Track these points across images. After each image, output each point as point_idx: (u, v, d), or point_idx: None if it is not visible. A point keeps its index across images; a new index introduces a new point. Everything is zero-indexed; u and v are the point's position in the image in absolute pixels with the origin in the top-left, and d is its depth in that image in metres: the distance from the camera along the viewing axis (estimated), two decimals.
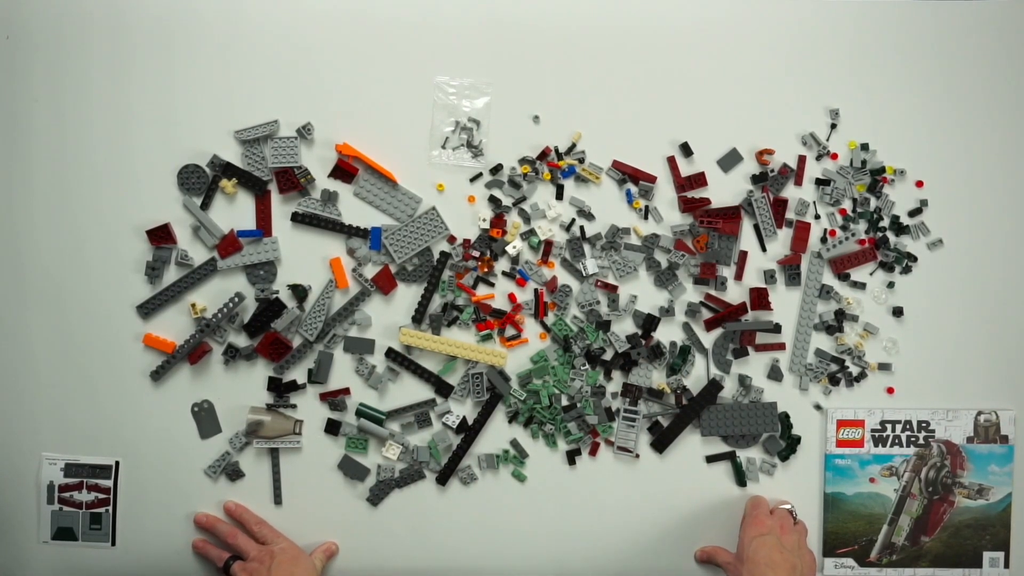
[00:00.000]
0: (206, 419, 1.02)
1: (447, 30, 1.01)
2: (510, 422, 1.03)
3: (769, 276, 1.03)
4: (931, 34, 1.03)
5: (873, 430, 1.04)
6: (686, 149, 1.02)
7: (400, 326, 1.02)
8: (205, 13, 1.00)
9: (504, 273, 1.03)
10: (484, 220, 1.02)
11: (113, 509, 1.02)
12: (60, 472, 1.01)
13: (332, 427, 1.02)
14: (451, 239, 1.02)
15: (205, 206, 1.01)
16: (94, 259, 1.01)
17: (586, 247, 1.03)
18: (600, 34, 1.01)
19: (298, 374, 1.02)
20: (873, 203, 1.04)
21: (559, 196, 1.03)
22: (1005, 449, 1.05)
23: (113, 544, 1.03)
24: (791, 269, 1.03)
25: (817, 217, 1.04)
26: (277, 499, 1.02)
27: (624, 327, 1.04)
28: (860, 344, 1.04)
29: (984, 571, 1.05)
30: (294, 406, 1.02)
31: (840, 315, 1.04)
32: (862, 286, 1.04)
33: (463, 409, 1.03)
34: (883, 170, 1.03)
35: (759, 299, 1.02)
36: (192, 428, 1.02)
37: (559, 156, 1.02)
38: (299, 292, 1.01)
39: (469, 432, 1.02)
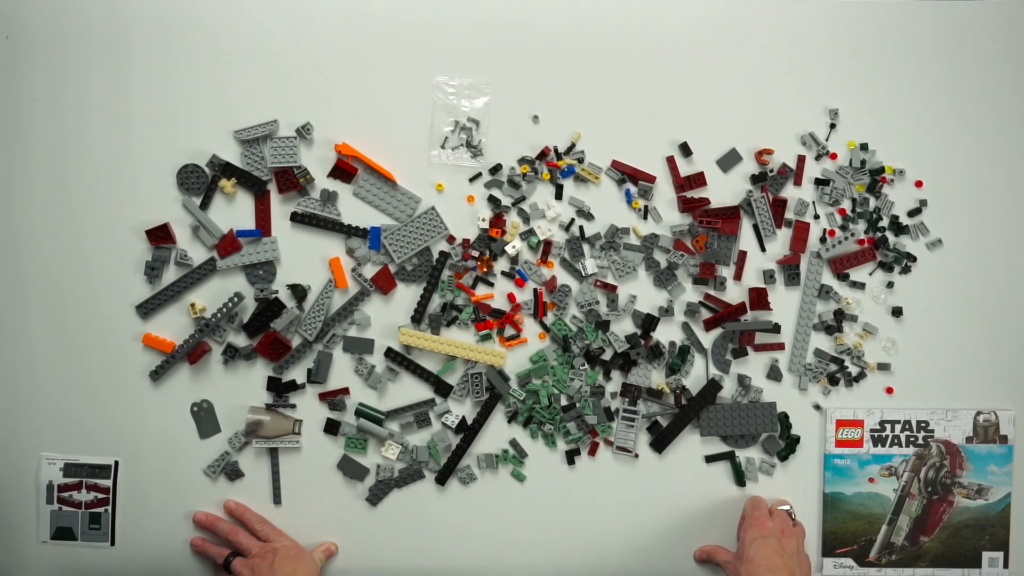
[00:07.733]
0: (205, 419, 1.02)
1: (447, 30, 1.01)
2: (509, 422, 1.03)
3: (768, 276, 1.03)
4: (931, 34, 1.03)
5: (872, 430, 1.04)
6: (685, 149, 1.02)
7: (399, 326, 1.02)
8: (205, 13, 1.00)
9: (503, 273, 1.03)
10: (483, 220, 1.02)
11: (112, 509, 1.02)
12: (59, 472, 1.02)
13: (331, 427, 1.02)
14: (450, 239, 1.02)
15: (204, 206, 1.01)
16: (94, 259, 1.01)
17: (585, 247, 1.03)
18: (600, 34, 1.01)
19: (297, 374, 1.02)
20: (872, 203, 1.04)
21: (558, 196, 1.03)
22: (1004, 449, 1.05)
23: (112, 544, 1.03)
24: (790, 269, 1.03)
25: (816, 217, 1.04)
26: (276, 499, 1.02)
27: (623, 327, 1.04)
28: (859, 344, 1.04)
29: (983, 571, 1.05)
30: (293, 406, 1.02)
31: (839, 315, 1.04)
32: (861, 286, 1.04)
33: (462, 409, 1.03)
34: (882, 170, 1.03)
35: (758, 299, 1.02)
36: (191, 428, 1.02)
37: (558, 156, 1.02)
38: (298, 292, 1.01)
39: (468, 432, 1.02)
